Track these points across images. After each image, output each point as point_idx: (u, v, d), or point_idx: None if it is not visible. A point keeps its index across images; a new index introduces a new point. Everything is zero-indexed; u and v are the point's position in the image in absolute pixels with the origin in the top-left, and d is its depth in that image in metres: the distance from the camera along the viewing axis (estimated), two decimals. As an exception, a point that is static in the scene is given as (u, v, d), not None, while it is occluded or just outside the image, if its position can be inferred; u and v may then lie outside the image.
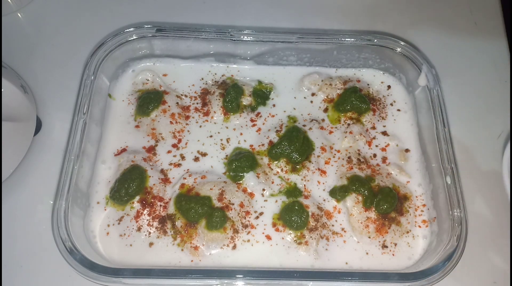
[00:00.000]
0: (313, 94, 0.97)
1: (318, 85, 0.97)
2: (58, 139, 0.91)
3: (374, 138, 0.93)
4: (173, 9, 1.10)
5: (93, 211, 0.82)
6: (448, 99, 0.94)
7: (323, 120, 0.94)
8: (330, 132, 0.93)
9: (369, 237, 0.81)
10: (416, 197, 0.86)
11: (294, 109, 0.95)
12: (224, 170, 0.87)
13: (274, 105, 0.96)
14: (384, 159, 0.90)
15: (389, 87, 0.99)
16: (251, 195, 0.85)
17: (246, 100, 0.94)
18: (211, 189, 0.82)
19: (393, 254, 0.81)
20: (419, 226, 0.84)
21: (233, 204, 0.82)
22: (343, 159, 0.89)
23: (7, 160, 0.82)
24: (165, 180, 0.86)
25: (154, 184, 0.84)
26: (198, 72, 0.99)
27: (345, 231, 0.83)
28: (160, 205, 0.83)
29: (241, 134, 0.92)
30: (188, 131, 0.92)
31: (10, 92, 0.81)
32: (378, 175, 0.87)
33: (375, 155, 0.90)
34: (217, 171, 0.87)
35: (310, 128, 0.92)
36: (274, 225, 0.82)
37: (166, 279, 0.71)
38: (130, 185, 0.81)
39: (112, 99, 0.94)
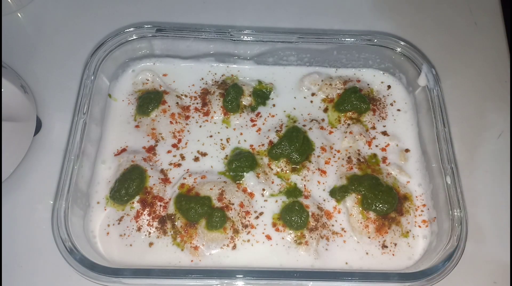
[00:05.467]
0: (313, 94, 0.97)
1: (318, 85, 0.97)
2: (58, 139, 0.91)
3: (374, 138, 0.93)
4: (173, 9, 1.10)
5: (93, 211, 0.82)
6: (448, 99, 0.94)
7: (323, 120, 0.94)
8: (330, 132, 0.93)
9: (369, 237, 0.81)
10: (416, 197, 0.86)
11: (294, 109, 0.95)
12: (224, 170, 0.87)
13: (274, 105, 0.96)
14: (384, 159, 0.90)
15: (389, 87, 0.99)
16: (251, 195, 0.85)
17: (246, 100, 0.94)
18: (211, 189, 0.82)
19: (393, 254, 0.81)
20: (419, 226, 0.84)
21: (233, 204, 0.82)
22: (343, 159, 0.89)
23: (7, 160, 0.82)
24: (165, 180, 0.86)
25: (154, 184, 0.84)
26: (198, 72, 0.99)
27: (345, 231, 0.83)
28: (160, 205, 0.83)
29: (241, 134, 0.92)
30: (188, 131, 0.92)
31: (10, 92, 0.81)
32: (379, 175, 0.87)
33: (375, 155, 0.90)
34: (217, 171, 0.87)
35: (310, 128, 0.92)
36: (274, 225, 0.82)
37: (166, 279, 0.71)
38: (130, 185, 0.81)
39: (113, 99, 0.94)
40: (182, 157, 0.89)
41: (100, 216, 0.82)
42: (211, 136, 0.91)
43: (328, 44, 0.95)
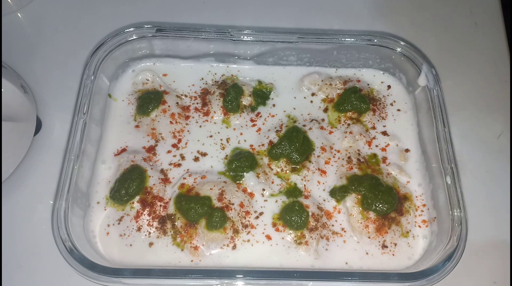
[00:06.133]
0: (313, 94, 0.97)
1: (318, 85, 0.97)
2: (58, 139, 0.91)
3: (374, 138, 0.93)
4: (173, 9, 1.10)
5: (93, 211, 0.82)
6: (448, 99, 0.94)
7: (323, 120, 0.94)
8: (330, 132, 0.93)
9: (369, 237, 0.81)
10: (416, 197, 0.86)
11: (294, 109, 0.95)
12: (224, 170, 0.87)
13: (274, 105, 0.96)
14: (384, 159, 0.90)
15: (389, 87, 0.99)
16: (251, 195, 0.85)
17: (246, 100, 0.94)
18: (211, 189, 0.82)
19: (393, 254, 0.81)
20: (419, 226, 0.84)
21: (233, 204, 0.82)
22: (343, 159, 0.89)
23: (7, 160, 0.82)
24: (165, 180, 0.86)
25: (154, 184, 0.84)
26: (198, 72, 0.99)
27: (345, 231, 0.83)
28: (160, 205, 0.83)
29: (241, 134, 0.92)
30: (188, 131, 0.92)
31: (10, 92, 0.81)
32: (379, 175, 0.87)
33: (375, 155, 0.90)
34: (217, 171, 0.87)
35: (310, 128, 0.92)
36: (274, 225, 0.82)
37: (166, 279, 0.71)
38: (130, 185, 0.81)
39: (113, 99, 0.94)
40: (182, 157, 0.89)
41: (100, 216, 0.82)
42: (211, 136, 0.91)
43: (328, 44, 0.95)
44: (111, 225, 0.81)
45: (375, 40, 0.94)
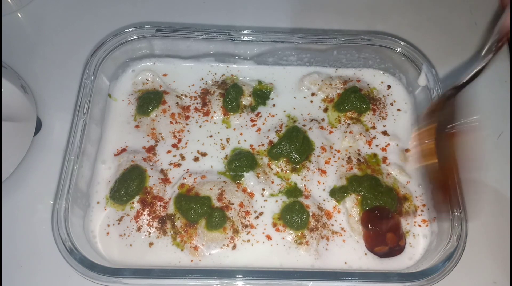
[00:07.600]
0: (313, 94, 0.97)
1: (318, 85, 0.97)
2: (58, 139, 0.91)
3: (374, 138, 0.92)
4: (173, 9, 1.10)
5: (93, 211, 0.82)
6: (448, 99, 0.94)
7: (323, 120, 0.94)
8: (330, 132, 0.93)
9: (369, 237, 0.81)
10: (416, 197, 0.86)
11: (294, 109, 0.95)
12: (224, 170, 0.87)
13: (274, 105, 0.96)
14: (384, 159, 0.90)
15: (389, 87, 0.99)
16: (251, 195, 0.85)
17: (246, 100, 0.94)
18: (211, 189, 0.82)
19: (393, 254, 0.81)
20: (419, 226, 0.84)
21: (233, 204, 0.82)
22: (343, 159, 0.89)
23: (7, 160, 0.82)
24: (165, 180, 0.86)
25: (154, 184, 0.84)
26: (198, 72, 0.99)
27: (345, 231, 0.83)
28: (160, 205, 0.83)
29: (241, 134, 0.92)
30: (188, 131, 0.92)
31: (10, 92, 0.81)
32: (379, 175, 0.87)
33: (375, 155, 0.90)
34: (217, 171, 0.87)
35: (310, 128, 0.92)
36: (274, 225, 0.82)
37: (166, 279, 0.71)
38: (130, 185, 0.81)
39: (113, 99, 0.94)
40: (182, 157, 0.89)
41: (100, 216, 0.82)
42: (211, 136, 0.91)
43: (328, 44, 0.95)
44: (111, 225, 0.81)
45: (375, 40, 0.94)
